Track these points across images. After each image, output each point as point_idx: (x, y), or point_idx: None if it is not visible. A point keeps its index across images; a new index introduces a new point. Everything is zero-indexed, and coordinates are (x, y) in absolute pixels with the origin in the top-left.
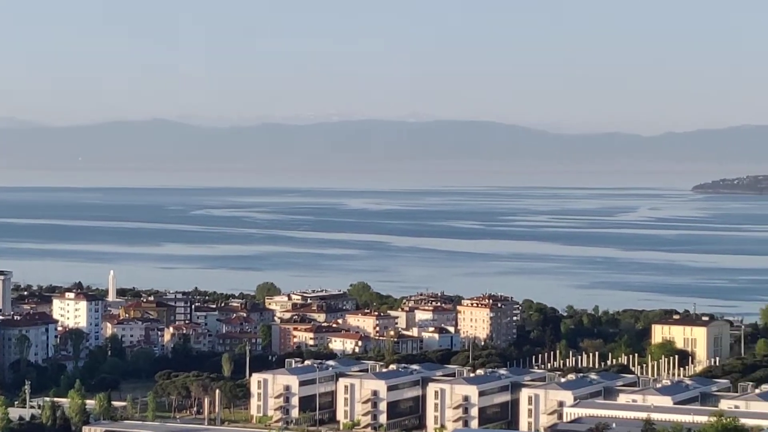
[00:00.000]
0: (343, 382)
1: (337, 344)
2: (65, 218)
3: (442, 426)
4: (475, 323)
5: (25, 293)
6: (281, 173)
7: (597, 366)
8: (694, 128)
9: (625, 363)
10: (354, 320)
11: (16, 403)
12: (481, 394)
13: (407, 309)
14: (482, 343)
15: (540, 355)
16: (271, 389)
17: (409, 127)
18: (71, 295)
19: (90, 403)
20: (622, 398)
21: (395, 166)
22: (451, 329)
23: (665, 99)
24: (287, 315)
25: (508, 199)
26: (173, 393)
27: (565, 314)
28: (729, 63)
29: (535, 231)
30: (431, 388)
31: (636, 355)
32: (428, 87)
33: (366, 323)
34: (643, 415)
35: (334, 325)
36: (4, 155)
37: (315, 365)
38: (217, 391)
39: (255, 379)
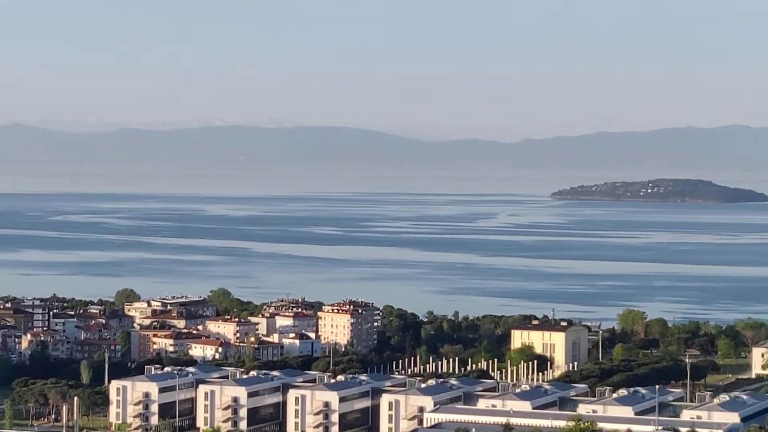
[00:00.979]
0: (203, 388)
1: (197, 351)
2: None
3: None
4: (335, 329)
5: None
6: (141, 179)
7: (457, 371)
8: (552, 135)
9: (485, 368)
10: (214, 326)
11: None
12: (342, 400)
13: (268, 315)
14: (343, 349)
15: (400, 361)
16: (130, 396)
17: (269, 132)
18: None
19: None
20: (482, 403)
21: (256, 172)
22: (312, 335)
23: (523, 106)
24: (147, 321)
25: (368, 205)
26: (31, 400)
27: (425, 320)
28: (584, 71)
29: (395, 237)
30: (292, 394)
31: (495, 360)
32: (288, 93)
33: (226, 329)
34: (502, 420)
35: (195, 332)
36: None
37: (175, 372)
38: (76, 398)
39: (114, 386)
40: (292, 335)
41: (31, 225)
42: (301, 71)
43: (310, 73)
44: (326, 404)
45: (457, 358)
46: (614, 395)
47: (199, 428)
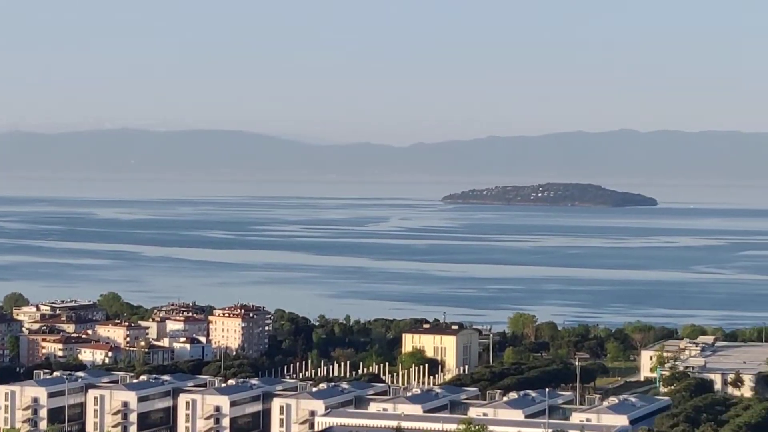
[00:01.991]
0: (92, 393)
1: (87, 355)
2: None
3: None
4: (226, 333)
5: None
6: (31, 182)
7: (348, 375)
8: (444, 139)
9: (377, 372)
10: (104, 331)
11: None
12: (233, 404)
13: (158, 319)
14: (234, 353)
15: (292, 365)
16: (18, 401)
17: (160, 136)
18: None
19: None
20: (373, 407)
21: (147, 175)
22: (203, 339)
23: (415, 110)
24: (36, 326)
25: (260, 209)
26: None
27: (316, 324)
28: (475, 75)
29: (286, 241)
30: (182, 398)
31: (387, 364)
32: (178, 95)
33: (116, 334)
34: (393, 423)
35: (84, 336)
36: None
37: (64, 376)
38: None
39: (2, 390)
40: (182, 339)
41: None
42: (193, 74)
43: (201, 76)
44: (217, 408)
45: (348, 362)
46: (505, 398)
47: None
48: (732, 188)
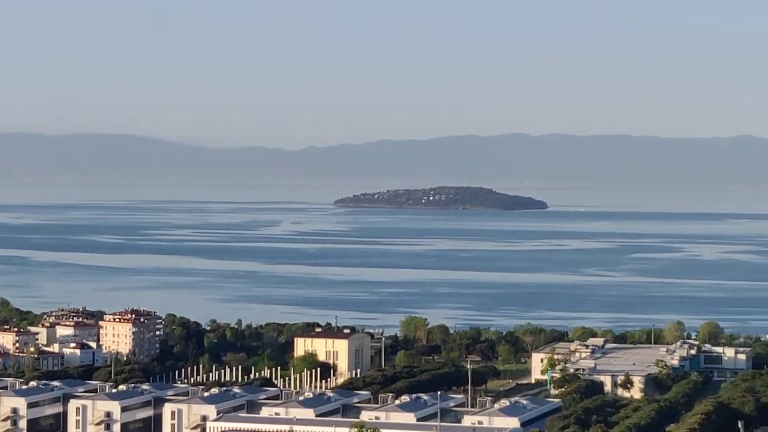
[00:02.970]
0: None
1: None
2: None
3: None
4: (117, 338)
5: None
6: None
7: (240, 380)
8: (337, 143)
9: (269, 376)
10: None
11: None
12: (124, 409)
13: (48, 325)
14: (125, 358)
15: (183, 370)
16: None
17: (52, 140)
18: None
19: None
20: (265, 411)
21: (35, 179)
22: (93, 345)
23: (307, 113)
24: None
25: (150, 213)
26: None
27: (208, 328)
28: (368, 79)
29: (177, 245)
30: (73, 404)
31: (279, 368)
32: (67, 97)
33: (5, 339)
34: (285, 428)
35: None
36: None
37: None
38: None
39: None
40: (72, 345)
41: None
42: (85, 76)
43: (94, 79)
44: (108, 414)
45: (240, 367)
46: (397, 402)
47: None
48: (622, 191)
